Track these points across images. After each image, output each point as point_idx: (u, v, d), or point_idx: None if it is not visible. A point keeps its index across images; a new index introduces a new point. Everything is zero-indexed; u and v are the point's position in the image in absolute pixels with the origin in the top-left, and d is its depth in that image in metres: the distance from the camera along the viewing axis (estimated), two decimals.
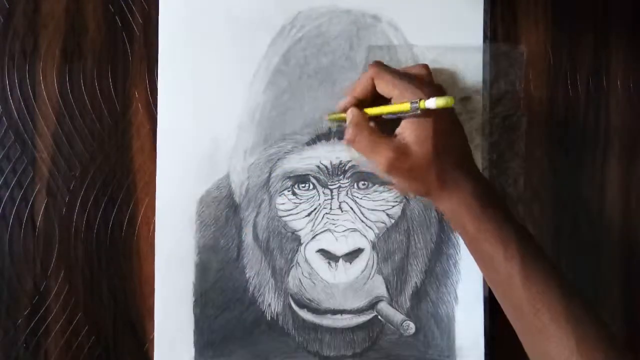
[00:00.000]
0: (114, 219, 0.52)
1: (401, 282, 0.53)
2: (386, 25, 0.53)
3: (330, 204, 0.53)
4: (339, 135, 0.52)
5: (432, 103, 0.41)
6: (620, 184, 0.55)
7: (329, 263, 0.53)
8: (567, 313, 0.41)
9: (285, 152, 0.52)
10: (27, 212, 0.52)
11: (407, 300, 0.53)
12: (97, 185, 0.52)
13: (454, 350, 0.53)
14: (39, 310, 0.52)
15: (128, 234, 0.53)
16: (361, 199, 0.53)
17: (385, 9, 0.53)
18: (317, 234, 0.53)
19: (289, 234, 0.53)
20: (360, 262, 0.53)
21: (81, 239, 0.52)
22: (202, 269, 0.52)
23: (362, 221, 0.53)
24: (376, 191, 0.53)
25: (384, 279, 0.53)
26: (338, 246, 0.53)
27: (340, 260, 0.53)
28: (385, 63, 0.48)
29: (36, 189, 0.52)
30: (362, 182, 0.53)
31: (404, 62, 0.52)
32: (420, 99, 0.42)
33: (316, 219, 0.53)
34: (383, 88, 0.46)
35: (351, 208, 0.53)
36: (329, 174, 0.53)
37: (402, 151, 0.44)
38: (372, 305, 0.53)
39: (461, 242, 0.53)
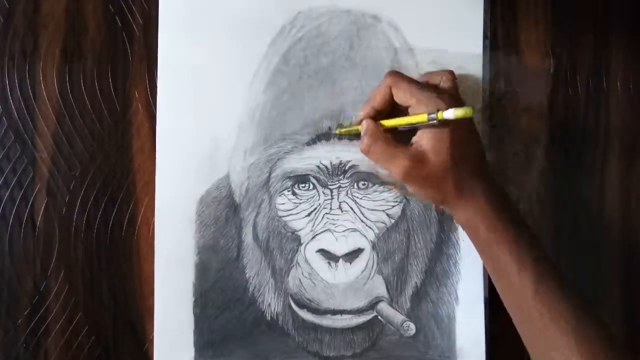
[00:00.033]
0: (113, 219, 0.52)
1: (401, 283, 0.53)
2: (386, 25, 0.53)
3: (330, 204, 0.53)
4: (339, 135, 0.52)
5: (451, 114, 0.40)
6: (620, 184, 0.55)
7: (329, 263, 0.53)
8: (567, 313, 0.41)
9: (285, 152, 0.52)
10: (27, 212, 0.52)
11: (407, 301, 0.53)
12: (97, 185, 0.52)
13: (454, 350, 0.53)
14: (39, 310, 0.52)
15: (128, 234, 0.53)
16: (361, 199, 0.53)
17: (385, 9, 0.53)
18: (317, 234, 0.53)
19: (289, 234, 0.53)
20: (360, 262, 0.53)
21: (81, 239, 0.52)
22: (202, 269, 0.52)
23: (362, 221, 0.53)
24: (376, 191, 0.53)
25: (384, 279, 0.53)
26: (338, 246, 0.53)
27: (340, 260, 0.53)
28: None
29: (36, 189, 0.52)
30: (362, 182, 0.53)
31: (403, 62, 0.52)
32: (438, 110, 0.41)
33: (316, 219, 0.53)
34: (400, 97, 0.45)
35: (351, 208, 0.53)
36: (329, 174, 0.53)
37: (418, 159, 0.44)
38: (372, 306, 0.53)
39: (461, 242, 0.53)
